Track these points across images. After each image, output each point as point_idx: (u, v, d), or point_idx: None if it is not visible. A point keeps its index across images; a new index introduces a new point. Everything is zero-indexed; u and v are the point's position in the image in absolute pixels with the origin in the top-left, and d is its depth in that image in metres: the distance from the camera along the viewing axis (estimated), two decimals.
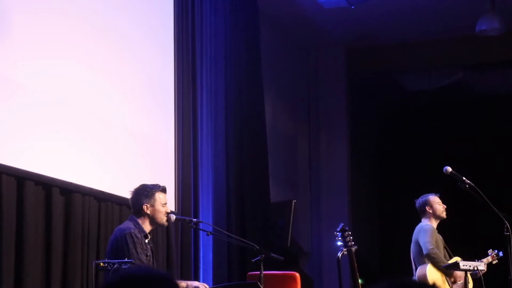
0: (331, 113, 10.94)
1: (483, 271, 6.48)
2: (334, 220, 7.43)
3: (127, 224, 5.12)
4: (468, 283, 6.68)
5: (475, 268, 6.42)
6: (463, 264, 6.45)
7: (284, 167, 10.06)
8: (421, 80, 11.46)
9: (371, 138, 12.30)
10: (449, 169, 6.09)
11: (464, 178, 6.06)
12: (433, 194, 7.17)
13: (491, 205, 5.99)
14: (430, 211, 7.11)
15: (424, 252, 6.88)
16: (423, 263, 6.95)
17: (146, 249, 5.06)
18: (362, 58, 11.05)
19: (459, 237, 8.23)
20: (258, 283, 4.99)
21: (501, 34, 9.48)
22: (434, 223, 7.13)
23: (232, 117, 7.96)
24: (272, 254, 5.40)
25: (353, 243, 5.31)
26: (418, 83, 11.50)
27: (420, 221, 7.21)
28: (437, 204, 7.12)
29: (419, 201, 7.20)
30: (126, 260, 4.66)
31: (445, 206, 7.14)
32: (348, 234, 5.33)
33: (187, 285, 5.09)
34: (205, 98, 7.60)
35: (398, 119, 12.10)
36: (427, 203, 7.12)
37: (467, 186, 6.03)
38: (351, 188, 10.86)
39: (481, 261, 6.84)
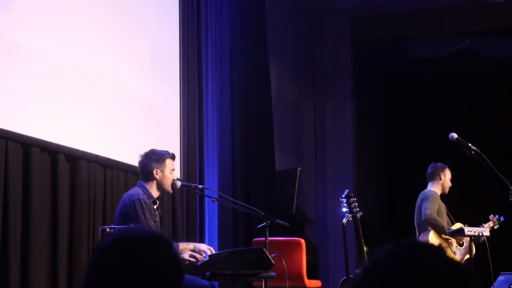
0: (336, 81, 10.89)
1: (487, 237, 6.51)
2: (339, 187, 7.42)
3: (136, 190, 5.14)
4: (472, 248, 6.72)
5: (480, 234, 6.45)
6: (468, 230, 6.49)
7: (289, 135, 10.05)
8: (427, 48, 11.38)
9: (377, 106, 12.27)
10: (455, 135, 6.07)
11: (469, 145, 6.03)
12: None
13: (497, 171, 5.98)
14: (441, 179, 7.17)
15: (423, 217, 6.92)
16: (426, 229, 6.98)
17: (154, 215, 5.09)
18: (368, 25, 10.97)
19: (463, 204, 8.27)
20: (264, 249, 5.00)
21: (508, 0, 9.40)
22: (438, 192, 7.17)
23: (237, 85, 7.94)
24: (278, 220, 5.41)
25: (358, 209, 5.30)
26: (424, 51, 11.42)
27: (425, 188, 7.24)
28: (449, 178, 7.20)
29: (436, 165, 7.23)
30: (133, 225, 4.68)
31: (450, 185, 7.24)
32: (353, 200, 5.32)
33: (194, 246, 5.12)
34: (210, 65, 7.58)
35: (404, 86, 12.05)
36: (443, 170, 7.19)
37: (473, 152, 6.01)
38: (357, 155, 10.85)
39: (482, 226, 6.88)
